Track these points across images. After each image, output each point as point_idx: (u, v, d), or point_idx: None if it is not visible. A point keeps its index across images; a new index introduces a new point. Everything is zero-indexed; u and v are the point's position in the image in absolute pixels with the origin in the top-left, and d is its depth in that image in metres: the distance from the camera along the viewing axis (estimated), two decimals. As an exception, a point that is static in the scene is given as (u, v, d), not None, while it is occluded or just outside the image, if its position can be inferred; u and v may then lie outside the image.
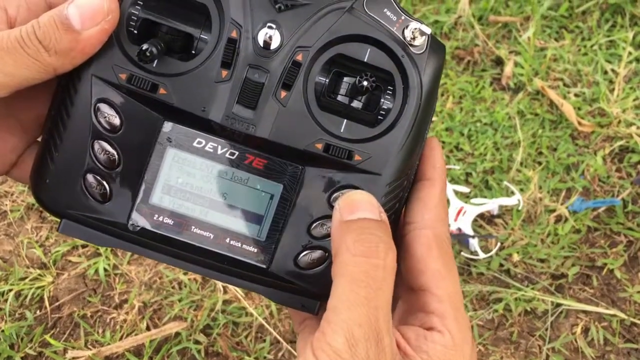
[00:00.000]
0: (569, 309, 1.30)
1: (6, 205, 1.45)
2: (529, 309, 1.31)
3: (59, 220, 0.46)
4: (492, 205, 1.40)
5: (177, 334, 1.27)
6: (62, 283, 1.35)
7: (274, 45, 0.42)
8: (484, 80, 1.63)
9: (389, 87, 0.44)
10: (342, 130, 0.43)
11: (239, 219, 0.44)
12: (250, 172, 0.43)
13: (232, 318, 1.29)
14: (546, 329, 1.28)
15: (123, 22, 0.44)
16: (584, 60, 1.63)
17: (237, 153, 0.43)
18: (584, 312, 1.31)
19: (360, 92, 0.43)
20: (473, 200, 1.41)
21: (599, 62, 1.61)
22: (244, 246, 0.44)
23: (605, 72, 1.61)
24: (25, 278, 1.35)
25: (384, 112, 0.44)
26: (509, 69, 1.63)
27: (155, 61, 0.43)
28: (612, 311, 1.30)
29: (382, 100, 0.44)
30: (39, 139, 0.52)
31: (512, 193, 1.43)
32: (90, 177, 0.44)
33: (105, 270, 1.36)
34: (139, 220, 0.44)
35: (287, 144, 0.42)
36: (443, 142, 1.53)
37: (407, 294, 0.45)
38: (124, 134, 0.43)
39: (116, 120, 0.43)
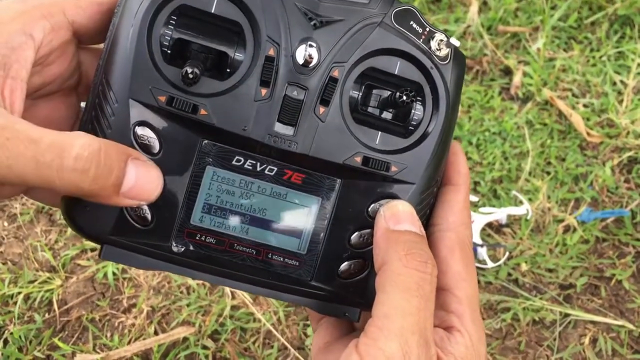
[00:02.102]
0: (577, 319, 1.30)
1: (16, 208, 1.46)
2: (537, 319, 1.30)
3: (98, 245, 0.45)
4: (500, 214, 1.40)
5: (185, 339, 1.27)
6: (70, 286, 1.36)
7: (314, 62, 0.43)
8: (493, 90, 1.64)
9: (417, 98, 0.45)
10: (377, 143, 0.44)
11: (279, 234, 0.44)
12: (288, 187, 0.44)
13: (240, 324, 1.29)
14: (554, 339, 1.28)
15: (157, 43, 0.43)
16: (592, 71, 1.64)
17: (275, 169, 0.44)
18: (592, 322, 1.31)
19: (396, 105, 0.44)
20: (481, 209, 1.41)
21: (608, 73, 1.62)
22: (286, 260, 0.44)
23: (614, 83, 1.61)
24: (35, 281, 1.35)
25: (414, 123, 0.45)
26: (517, 78, 1.64)
27: None
28: (620, 322, 1.29)
29: (412, 111, 0.45)
30: None
31: (521, 202, 1.43)
32: None
33: (113, 274, 1.36)
34: (181, 241, 0.44)
35: (327, 159, 0.43)
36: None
37: None
38: (164, 156, 0.43)
39: (155, 143, 0.43)
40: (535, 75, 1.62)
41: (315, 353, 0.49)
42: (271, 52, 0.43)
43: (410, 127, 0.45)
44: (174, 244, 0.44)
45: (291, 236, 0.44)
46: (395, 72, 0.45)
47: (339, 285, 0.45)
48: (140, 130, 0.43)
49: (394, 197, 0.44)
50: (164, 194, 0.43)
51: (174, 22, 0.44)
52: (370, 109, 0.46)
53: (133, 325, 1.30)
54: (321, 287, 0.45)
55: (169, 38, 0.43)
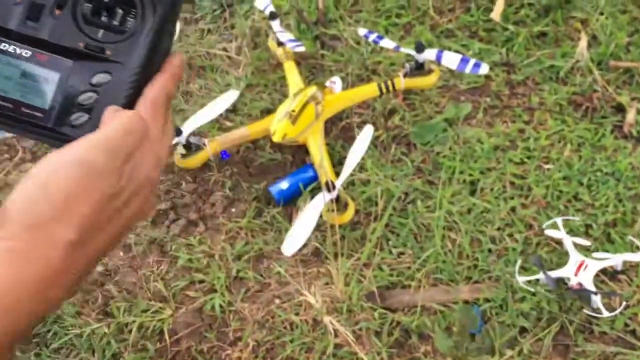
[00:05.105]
0: None
1: (131, 238, 1.54)
2: (658, 375, 1.23)
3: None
4: (615, 260, 1.33)
5: (290, 375, 1.29)
6: (180, 317, 1.41)
7: None
8: (604, 128, 1.57)
9: (132, 9, 0.59)
10: (99, 36, 0.59)
11: (30, 96, 0.60)
12: (37, 64, 0.59)
13: (343, 363, 1.29)
14: (678, 398, 1.20)
15: None
16: None
17: (29, 52, 0.59)
18: None
19: (113, 8, 0.58)
20: (594, 254, 1.35)
21: None
22: (34, 112, 0.60)
23: None
24: (147, 310, 1.41)
25: (130, 23, 0.59)
26: (631, 116, 1.57)
27: None
28: None
29: (127, 18, 0.59)
30: None
31: (637, 248, 1.36)
32: None
33: (220, 306, 1.40)
34: None
35: (60, 44, 0.59)
36: (560, 192, 1.48)
37: None
38: None
39: None
40: (651, 113, 1.55)
41: None
42: None
43: (127, 28, 0.59)
44: None
45: (39, 98, 0.60)
46: None
47: (72, 132, 0.59)
48: None
49: (109, 72, 0.59)
50: None
51: None
52: (97, 15, 0.59)
53: (239, 358, 1.33)
54: (58, 131, 0.59)
55: None
